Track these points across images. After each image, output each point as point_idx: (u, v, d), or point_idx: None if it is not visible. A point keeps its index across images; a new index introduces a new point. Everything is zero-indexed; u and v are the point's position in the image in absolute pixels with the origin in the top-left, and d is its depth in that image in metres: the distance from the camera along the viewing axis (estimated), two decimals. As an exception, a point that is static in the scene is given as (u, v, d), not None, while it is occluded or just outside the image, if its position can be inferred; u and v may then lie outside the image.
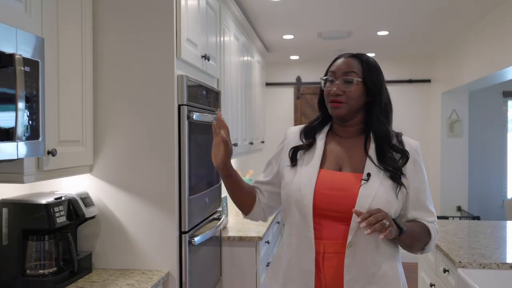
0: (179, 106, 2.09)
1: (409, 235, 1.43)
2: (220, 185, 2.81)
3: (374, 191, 1.40)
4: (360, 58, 1.52)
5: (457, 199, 5.32)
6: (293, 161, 1.53)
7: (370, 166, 1.44)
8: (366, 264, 1.41)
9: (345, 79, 1.47)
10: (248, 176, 5.18)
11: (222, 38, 3.02)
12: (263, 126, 5.20)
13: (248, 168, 5.80)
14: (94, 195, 2.09)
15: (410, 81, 5.83)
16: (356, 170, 1.46)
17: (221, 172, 1.59)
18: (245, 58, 3.99)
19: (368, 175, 1.42)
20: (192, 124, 2.17)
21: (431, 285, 2.79)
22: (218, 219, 2.72)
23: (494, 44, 3.93)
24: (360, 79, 1.47)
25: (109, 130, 2.08)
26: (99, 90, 2.08)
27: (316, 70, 6.05)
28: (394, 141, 1.50)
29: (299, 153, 1.54)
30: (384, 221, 1.30)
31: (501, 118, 5.83)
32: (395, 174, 1.44)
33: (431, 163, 5.71)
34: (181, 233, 2.10)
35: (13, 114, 1.39)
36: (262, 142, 4.97)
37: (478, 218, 4.72)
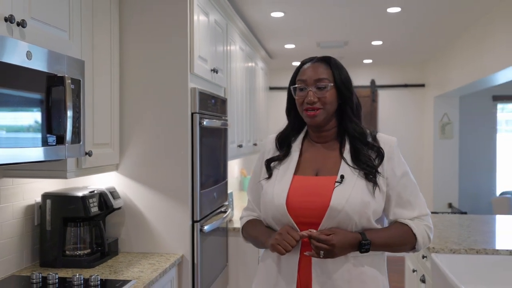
0: (192, 114, 2.46)
1: (381, 245, 1.40)
2: (226, 182, 3.18)
3: (348, 192, 1.38)
4: (328, 62, 1.50)
5: (448, 197, 5.66)
6: (269, 173, 1.52)
7: (344, 168, 1.43)
8: (336, 272, 1.38)
9: (317, 86, 1.46)
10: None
11: (228, 48, 3.39)
12: (267, 128, 5.57)
13: (251, 167, 6.17)
14: (119, 190, 2.46)
15: (405, 86, 6.18)
16: (332, 173, 1.44)
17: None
18: (249, 64, 4.36)
19: (342, 177, 1.41)
20: (203, 129, 2.53)
21: (414, 270, 3.14)
22: (225, 212, 3.08)
23: (483, 51, 4.23)
24: (332, 84, 1.46)
25: (133, 134, 2.45)
26: (124, 102, 2.45)
27: (316, 75, 6.40)
28: (369, 139, 1.48)
29: (274, 164, 1.54)
30: (323, 248, 1.31)
31: (490, 120, 6.17)
32: (370, 173, 1.41)
33: (425, 163, 6.06)
34: (193, 222, 2.47)
35: (64, 122, 1.76)
36: (265, 143, 5.33)
37: (465, 213, 5.07)
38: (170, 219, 2.44)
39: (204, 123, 2.52)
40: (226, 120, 3.12)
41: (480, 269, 2.51)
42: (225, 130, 3.11)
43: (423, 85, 6.13)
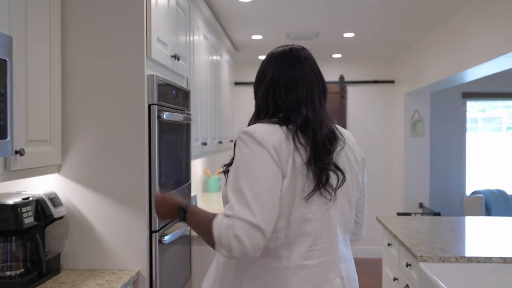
0: (150, 105, 2.10)
1: (192, 223, 1.37)
2: (190, 184, 2.83)
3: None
4: None
5: (419, 196, 5.50)
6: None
7: None
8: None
9: None
10: (217, 175, 5.20)
11: (191, 38, 3.03)
12: (232, 125, 5.24)
13: (217, 167, 5.82)
14: (62, 195, 2.07)
15: (375, 82, 5.99)
16: None
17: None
18: (214, 57, 4.01)
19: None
20: (162, 123, 2.18)
21: (395, 279, 2.89)
22: (188, 218, 2.73)
23: (453, 48, 4.09)
24: None
25: (78, 129, 2.07)
26: (67, 90, 2.06)
27: (284, 70, 6.12)
28: None
29: None
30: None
31: (460, 118, 6.07)
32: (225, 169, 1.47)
33: (395, 162, 5.89)
34: (151, 232, 2.11)
35: (-19, 113, 1.37)
36: (231, 141, 5.01)
37: (438, 214, 4.91)
38: (124, 230, 2.07)
39: (164, 116, 2.16)
40: (189, 115, 2.77)
41: (473, 279, 2.27)
42: (188, 125, 2.76)
43: (392, 82, 5.96)
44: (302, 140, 1.31)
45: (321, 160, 1.30)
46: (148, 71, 2.10)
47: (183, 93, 2.63)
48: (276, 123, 1.34)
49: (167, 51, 2.38)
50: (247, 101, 6.22)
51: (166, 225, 2.27)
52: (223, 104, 4.48)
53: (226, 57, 4.70)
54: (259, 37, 4.65)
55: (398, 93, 5.80)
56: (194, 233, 2.94)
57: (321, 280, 1.33)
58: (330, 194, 1.32)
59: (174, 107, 2.41)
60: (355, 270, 1.47)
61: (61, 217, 2.04)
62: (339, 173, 1.34)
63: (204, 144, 3.34)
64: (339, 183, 1.34)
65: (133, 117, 2.05)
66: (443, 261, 2.32)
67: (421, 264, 2.31)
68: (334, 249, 1.37)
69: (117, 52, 2.05)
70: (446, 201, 5.87)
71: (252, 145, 1.29)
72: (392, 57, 5.84)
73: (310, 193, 1.29)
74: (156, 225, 2.12)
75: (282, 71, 1.40)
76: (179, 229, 2.44)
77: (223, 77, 4.56)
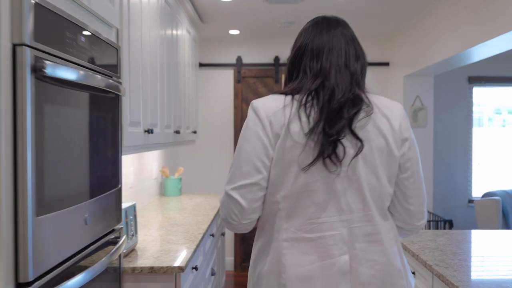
0: (14, 46, 1.11)
1: None
2: (119, 190, 1.84)
3: None
4: None
5: (420, 199, 4.64)
6: None
7: None
8: None
9: None
10: (177, 174, 4.23)
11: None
12: (196, 114, 4.25)
13: (177, 165, 4.82)
14: None
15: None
16: None
17: None
18: (170, 26, 3.05)
19: None
20: (46, 85, 1.19)
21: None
22: (114, 242, 1.75)
23: (465, 19, 3.26)
24: None
25: None
26: None
27: (259, 50, 5.18)
28: None
29: None
30: None
31: (466, 106, 5.23)
32: None
33: (390, 158, 5.01)
34: (18, 286, 1.12)
35: None
36: (194, 132, 4.02)
37: (450, 222, 4.04)
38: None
39: (48, 70, 1.16)
40: (119, 83, 1.78)
41: None
42: (116, 99, 1.77)
43: (387, 64, 5.09)
44: (307, 109, 1.27)
45: (331, 128, 1.24)
46: (12, -17, 1.10)
47: (103, 46, 1.64)
48: (282, 93, 1.32)
49: (66, -36, 1.38)
50: (216, 85, 5.25)
51: (59, 265, 1.27)
52: (182, 87, 3.50)
53: (187, 26, 3.72)
54: (229, -1, 3.67)
55: (395, 76, 4.92)
56: (127, 265, 1.95)
57: (321, 256, 1.27)
58: (335, 165, 1.25)
59: (82, 63, 1.42)
60: (391, 256, 1.30)
61: None
62: (357, 141, 1.26)
63: (149, 132, 2.35)
64: (355, 152, 1.26)
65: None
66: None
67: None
68: (343, 224, 1.28)
69: None
70: (451, 203, 5.05)
71: (250, 115, 1.32)
72: (387, 33, 4.96)
73: (310, 164, 1.25)
74: (28, 273, 1.13)
75: (310, 38, 1.38)
76: (97, 263, 1.46)
77: (183, 54, 3.58)
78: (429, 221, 4.28)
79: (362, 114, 1.27)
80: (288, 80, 1.40)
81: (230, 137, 5.19)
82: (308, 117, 1.25)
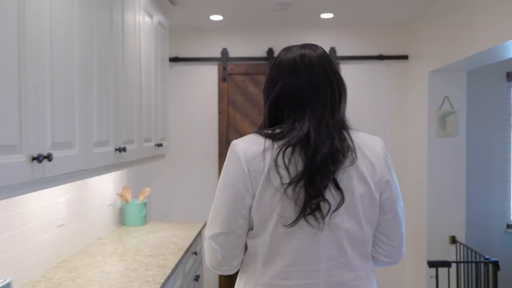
0: None
1: None
2: None
3: None
4: None
5: (450, 226, 3.69)
6: None
7: None
8: None
9: None
10: (142, 197, 3.32)
11: None
12: (164, 122, 3.33)
13: (142, 185, 3.88)
14: None
15: (380, 58, 4.16)
16: None
17: None
18: (109, 7, 2.16)
19: None
20: None
21: None
22: None
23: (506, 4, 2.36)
24: None
25: None
26: None
27: (249, 40, 4.25)
28: None
29: None
30: None
31: (503, 109, 4.27)
32: None
33: (414, 175, 4.06)
34: None
35: None
36: (160, 145, 3.10)
37: (496, 263, 3.09)
38: None
39: None
40: None
41: None
42: None
43: (405, 57, 4.15)
44: (286, 159, 1.22)
45: (315, 184, 1.20)
46: None
47: None
48: (263, 135, 1.29)
49: None
50: (196, 85, 4.34)
51: None
52: (136, 86, 2.61)
53: (146, 11, 2.81)
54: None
55: (417, 72, 3.98)
56: None
57: None
58: (317, 221, 1.22)
59: None
60: None
61: None
62: (339, 193, 1.22)
63: (47, 158, 1.42)
64: (337, 204, 1.23)
65: None
66: None
67: None
68: (320, 273, 1.25)
69: None
70: (486, 229, 4.11)
71: (231, 157, 1.30)
72: (405, 20, 4.03)
73: (292, 223, 1.22)
74: None
75: (291, 84, 1.31)
76: None
77: (136, 44, 2.69)
78: (461, 262, 3.32)
79: (347, 163, 1.23)
80: (266, 121, 1.35)
81: (214, 148, 4.27)
82: (288, 168, 1.21)
